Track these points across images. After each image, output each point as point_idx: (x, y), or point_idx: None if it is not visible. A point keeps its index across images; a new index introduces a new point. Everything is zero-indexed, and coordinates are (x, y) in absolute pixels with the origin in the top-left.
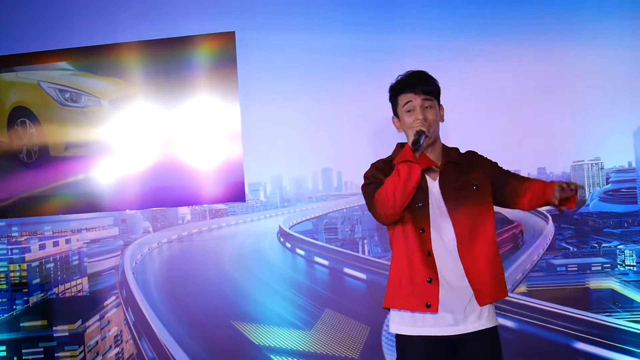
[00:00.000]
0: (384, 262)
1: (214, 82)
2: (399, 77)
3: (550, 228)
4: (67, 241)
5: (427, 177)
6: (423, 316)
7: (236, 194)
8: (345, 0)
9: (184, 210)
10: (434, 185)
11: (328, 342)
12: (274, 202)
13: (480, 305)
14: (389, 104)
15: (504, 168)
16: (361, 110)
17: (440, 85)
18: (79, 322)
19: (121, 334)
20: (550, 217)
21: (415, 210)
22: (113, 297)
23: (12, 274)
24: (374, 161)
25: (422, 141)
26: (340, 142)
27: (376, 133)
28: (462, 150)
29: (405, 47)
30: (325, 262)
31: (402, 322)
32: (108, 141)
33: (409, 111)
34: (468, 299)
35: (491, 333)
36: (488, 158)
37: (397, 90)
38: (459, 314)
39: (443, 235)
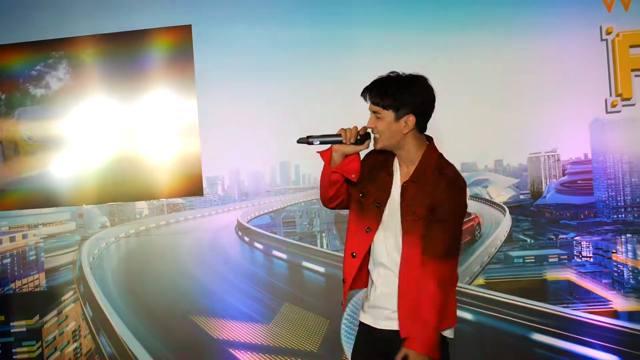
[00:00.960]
0: (342, 256)
1: (171, 76)
2: None
3: (507, 220)
4: (24, 236)
5: (394, 184)
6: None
7: (194, 188)
8: None
9: (141, 205)
10: (396, 194)
11: (287, 335)
12: (232, 196)
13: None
14: (347, 97)
15: (440, 227)
16: (319, 103)
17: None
18: (37, 317)
19: (79, 329)
20: (507, 209)
21: (371, 209)
22: (71, 292)
23: None
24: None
25: (315, 141)
26: (298, 135)
27: (334, 126)
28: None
29: (364, 39)
30: (284, 256)
31: None
32: (64, 135)
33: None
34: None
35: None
36: (451, 202)
37: None
38: (388, 312)
39: (387, 242)
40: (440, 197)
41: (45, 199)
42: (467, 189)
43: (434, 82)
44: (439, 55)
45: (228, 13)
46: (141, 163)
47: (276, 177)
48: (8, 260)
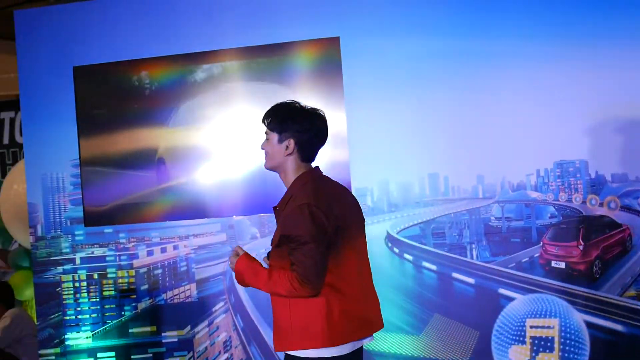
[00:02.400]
0: (492, 267)
1: (319, 87)
2: None
3: None
4: (175, 247)
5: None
6: None
7: None
8: (448, 4)
9: None
10: None
11: (437, 346)
12: (381, 207)
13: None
14: (498, 109)
15: (283, 242)
16: (467, 114)
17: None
18: (188, 327)
19: (230, 340)
20: None
21: None
22: (221, 303)
23: (120, 280)
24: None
25: None
26: (447, 146)
27: (482, 137)
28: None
29: (507, 51)
30: (434, 267)
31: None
32: (212, 145)
33: None
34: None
35: None
36: (292, 215)
37: None
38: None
39: None
40: (285, 224)
41: (195, 210)
42: (315, 214)
43: (579, 94)
44: (583, 67)
45: (376, 25)
46: None
47: (425, 188)
48: (159, 271)
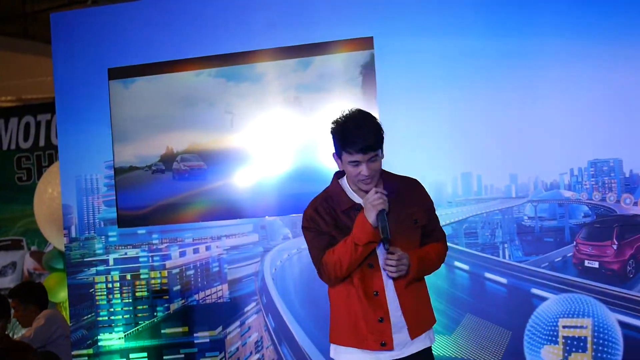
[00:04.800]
0: (525, 267)
1: (352, 86)
2: (347, 130)
3: None
4: (207, 248)
5: None
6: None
7: None
8: (481, 3)
9: None
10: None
11: (469, 346)
12: None
13: (412, 339)
14: (531, 108)
15: (435, 217)
16: (499, 113)
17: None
18: (220, 328)
19: (262, 340)
20: None
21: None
22: (253, 304)
23: (152, 281)
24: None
25: (387, 222)
26: (480, 145)
27: (515, 136)
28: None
29: (543, 49)
30: (466, 267)
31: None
32: (246, 147)
33: (355, 166)
34: (403, 327)
35: (425, 353)
36: (429, 196)
37: (342, 143)
38: (396, 343)
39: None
40: (425, 198)
41: (227, 211)
42: None
43: (612, 92)
44: (618, 65)
45: (410, 24)
46: (322, 175)
47: (458, 188)
48: (192, 271)
